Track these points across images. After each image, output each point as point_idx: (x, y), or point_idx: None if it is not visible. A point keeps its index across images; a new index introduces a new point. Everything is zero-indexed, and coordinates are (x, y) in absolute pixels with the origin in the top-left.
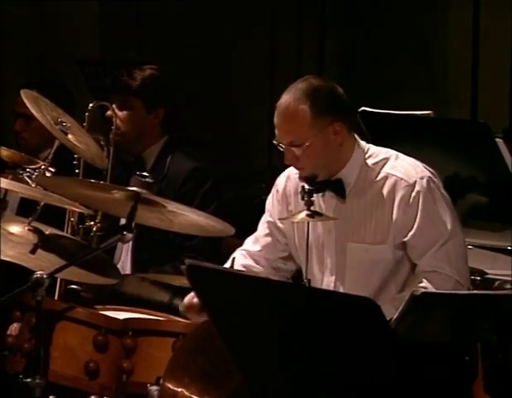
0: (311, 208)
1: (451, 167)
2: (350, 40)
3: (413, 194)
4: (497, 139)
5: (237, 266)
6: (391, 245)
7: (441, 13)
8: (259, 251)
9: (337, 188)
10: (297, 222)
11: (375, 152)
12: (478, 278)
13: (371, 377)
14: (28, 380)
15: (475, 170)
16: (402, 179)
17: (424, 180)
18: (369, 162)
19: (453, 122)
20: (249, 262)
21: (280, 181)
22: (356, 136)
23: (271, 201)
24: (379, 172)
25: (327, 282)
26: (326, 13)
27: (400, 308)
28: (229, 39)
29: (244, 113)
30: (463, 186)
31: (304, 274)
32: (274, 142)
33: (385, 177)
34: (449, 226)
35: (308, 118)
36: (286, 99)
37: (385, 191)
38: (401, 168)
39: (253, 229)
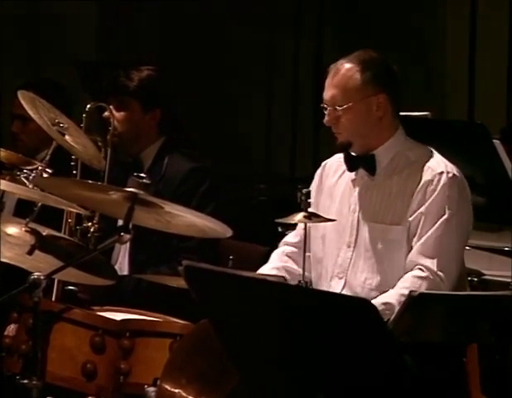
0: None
1: None
2: (348, 40)
3: (435, 182)
4: (494, 140)
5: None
6: (406, 226)
7: (439, 13)
8: (298, 242)
9: (369, 164)
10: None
11: (414, 143)
12: (475, 279)
13: (369, 378)
14: (25, 381)
15: (473, 171)
16: (430, 167)
17: (450, 174)
18: (406, 150)
19: (450, 123)
20: (282, 263)
21: (317, 173)
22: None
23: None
24: (411, 160)
25: (343, 258)
26: (324, 13)
27: (398, 309)
28: (228, 40)
29: (243, 113)
30: None
31: (302, 274)
32: (322, 105)
33: (415, 165)
34: (453, 216)
35: (356, 81)
36: (341, 61)
37: (412, 176)
38: (432, 160)
39: (252, 230)
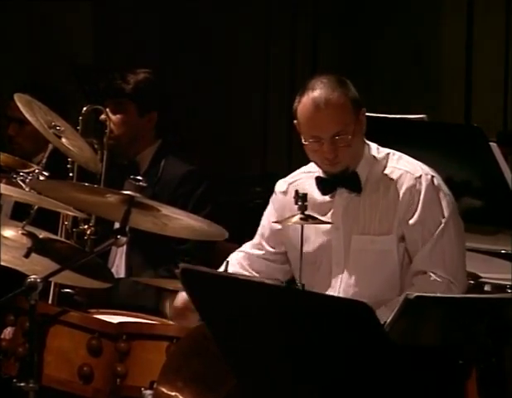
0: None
1: (444, 170)
2: (344, 43)
3: (417, 186)
4: (491, 143)
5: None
6: (395, 236)
7: (435, 16)
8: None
9: (353, 182)
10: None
11: (378, 147)
12: (472, 281)
13: (365, 380)
14: (22, 384)
15: (469, 174)
16: (408, 172)
17: (429, 176)
18: (376, 156)
19: (447, 126)
20: (242, 271)
21: (276, 199)
22: None
23: (270, 211)
24: (385, 166)
25: (335, 279)
26: (320, 15)
27: (394, 312)
28: (226, 42)
29: (240, 116)
30: (457, 189)
31: (298, 277)
32: (305, 142)
33: (391, 171)
34: (449, 222)
35: (349, 105)
36: (321, 92)
37: (391, 183)
38: (406, 164)
39: (247, 233)
